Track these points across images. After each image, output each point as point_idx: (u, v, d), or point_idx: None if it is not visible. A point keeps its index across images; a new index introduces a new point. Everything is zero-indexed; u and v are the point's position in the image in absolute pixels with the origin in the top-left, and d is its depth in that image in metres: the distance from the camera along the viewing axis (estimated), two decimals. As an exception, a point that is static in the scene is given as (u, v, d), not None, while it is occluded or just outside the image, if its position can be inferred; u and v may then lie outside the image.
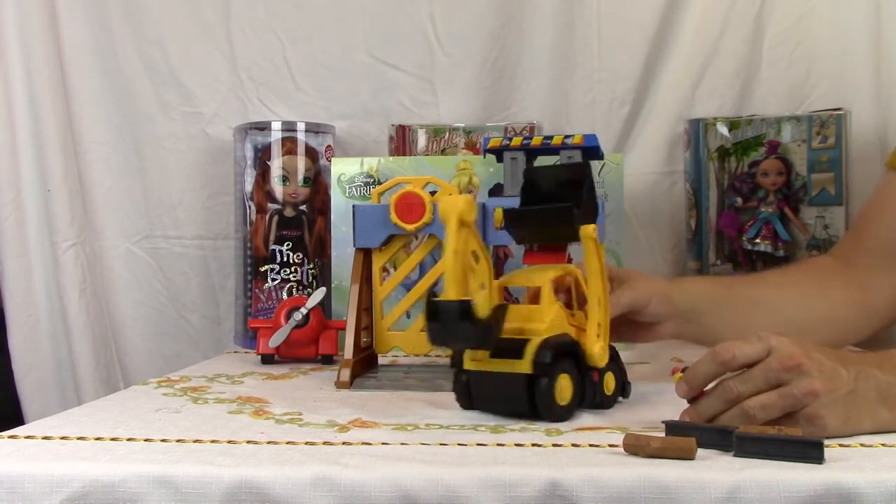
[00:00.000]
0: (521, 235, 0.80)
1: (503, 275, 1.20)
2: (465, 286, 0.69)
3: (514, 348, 0.72)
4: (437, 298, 0.68)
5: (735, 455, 0.61)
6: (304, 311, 1.05)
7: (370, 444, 0.66)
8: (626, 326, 0.90)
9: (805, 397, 0.65)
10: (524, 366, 0.72)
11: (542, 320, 0.74)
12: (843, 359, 0.69)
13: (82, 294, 1.36)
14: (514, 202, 0.95)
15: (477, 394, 0.77)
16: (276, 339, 1.05)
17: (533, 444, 0.66)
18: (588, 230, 0.75)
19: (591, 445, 0.65)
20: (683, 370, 0.77)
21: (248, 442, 0.67)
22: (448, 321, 0.67)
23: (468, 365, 0.76)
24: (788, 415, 0.66)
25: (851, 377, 0.67)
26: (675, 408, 0.78)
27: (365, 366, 0.98)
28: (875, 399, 0.68)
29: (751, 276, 1.17)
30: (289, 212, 1.26)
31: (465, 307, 0.67)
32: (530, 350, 0.72)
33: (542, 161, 1.00)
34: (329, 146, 1.30)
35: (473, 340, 0.70)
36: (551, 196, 0.76)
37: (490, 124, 1.31)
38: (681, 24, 1.32)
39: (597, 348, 0.76)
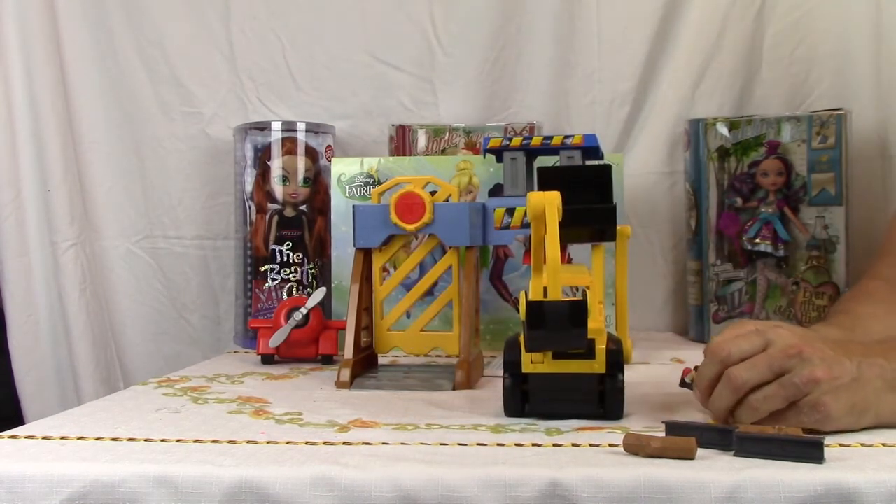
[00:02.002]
0: None
1: (503, 275, 1.21)
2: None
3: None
4: (541, 300, 0.66)
5: (735, 455, 0.61)
6: (304, 311, 1.05)
7: (370, 444, 0.66)
8: None
9: (806, 385, 0.65)
10: (597, 365, 0.71)
11: (596, 319, 0.74)
12: (847, 348, 0.69)
13: (82, 294, 1.36)
14: (515, 202, 0.96)
15: (538, 398, 0.74)
16: (276, 339, 1.05)
17: (533, 444, 0.66)
18: (626, 230, 0.76)
19: (591, 445, 0.65)
20: (695, 369, 0.78)
21: (248, 442, 0.67)
22: (559, 325, 0.65)
23: (528, 368, 0.73)
24: (791, 404, 0.66)
25: (855, 365, 0.67)
26: (675, 408, 0.78)
27: (365, 366, 0.98)
28: (881, 387, 0.67)
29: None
30: (289, 212, 1.27)
31: (578, 309, 0.65)
32: (601, 349, 0.71)
33: (541, 161, 1.00)
34: (329, 146, 1.30)
35: (584, 342, 0.67)
36: (577, 197, 0.76)
37: (490, 124, 1.31)
38: (681, 24, 1.32)
39: (629, 346, 0.77)
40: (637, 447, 0.61)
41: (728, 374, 0.68)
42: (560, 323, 0.64)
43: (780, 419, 0.66)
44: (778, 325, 0.70)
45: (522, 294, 0.71)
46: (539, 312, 0.64)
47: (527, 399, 0.74)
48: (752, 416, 0.67)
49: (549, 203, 0.67)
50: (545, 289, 0.68)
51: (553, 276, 0.66)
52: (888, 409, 0.67)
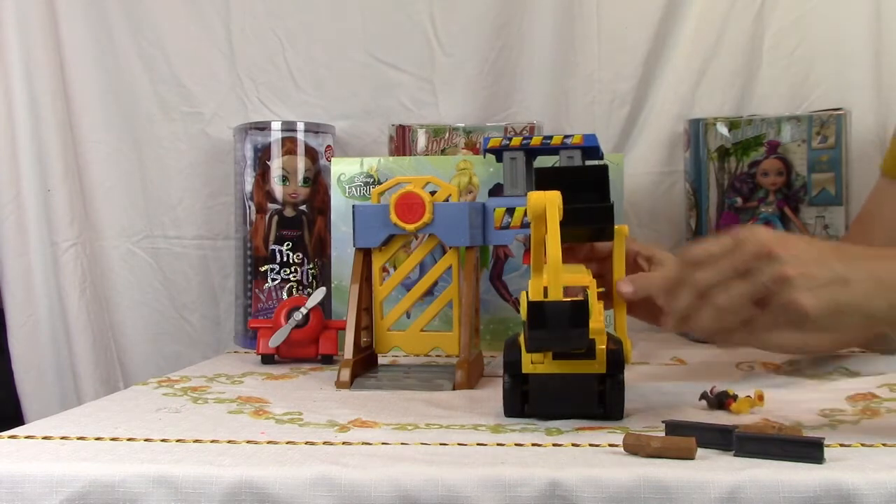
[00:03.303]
0: None
1: (503, 275, 1.21)
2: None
3: None
4: (541, 300, 0.65)
5: (735, 455, 0.61)
6: (304, 311, 1.05)
7: (370, 444, 0.66)
8: (647, 308, 0.86)
9: (775, 283, 0.61)
10: (598, 365, 0.71)
11: (596, 319, 0.74)
12: (839, 251, 0.65)
13: (82, 294, 1.36)
14: (515, 202, 0.96)
15: (539, 398, 0.73)
16: (276, 339, 1.05)
17: (533, 444, 0.66)
18: (623, 229, 0.76)
19: (591, 445, 0.65)
20: (711, 390, 0.78)
21: (248, 442, 0.67)
22: (560, 325, 0.64)
23: (529, 369, 0.72)
24: (764, 307, 0.62)
25: (841, 265, 0.63)
26: (675, 408, 0.78)
27: (365, 366, 0.98)
28: (871, 288, 0.62)
29: None
30: (289, 212, 1.27)
31: (580, 308, 0.64)
32: (601, 349, 0.71)
33: (541, 161, 1.00)
34: (329, 146, 1.30)
35: (585, 342, 0.66)
36: (574, 197, 0.75)
37: (490, 124, 1.31)
38: (681, 24, 1.32)
39: (629, 346, 0.77)
40: (637, 447, 0.61)
41: (691, 277, 0.64)
42: (561, 323, 0.64)
43: (754, 327, 0.63)
44: (759, 227, 0.66)
45: (523, 294, 0.70)
46: (540, 312, 0.64)
47: (527, 399, 0.74)
48: (716, 319, 0.63)
49: (550, 202, 0.67)
50: (545, 289, 0.68)
51: (554, 275, 0.66)
52: (880, 309, 0.62)
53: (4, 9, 1.32)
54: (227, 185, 1.36)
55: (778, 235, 0.64)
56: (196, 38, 1.38)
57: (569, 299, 0.65)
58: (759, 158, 1.22)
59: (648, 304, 0.87)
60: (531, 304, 0.65)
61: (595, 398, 0.72)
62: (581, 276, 0.76)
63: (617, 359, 0.72)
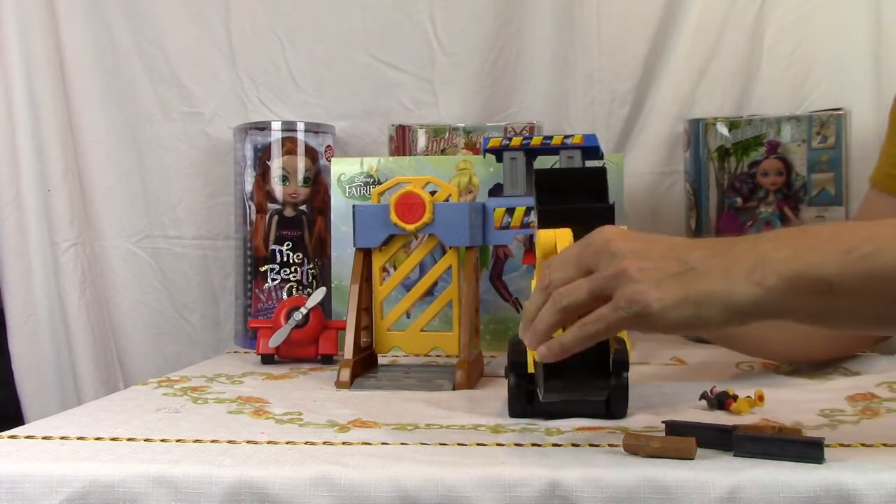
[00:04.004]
0: None
1: (503, 275, 1.21)
2: None
3: None
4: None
5: (735, 455, 0.61)
6: (304, 311, 1.05)
7: (370, 444, 0.66)
8: None
9: (614, 278, 0.58)
10: None
11: None
12: (691, 242, 0.61)
13: (82, 294, 1.36)
14: (515, 202, 0.96)
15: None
16: (276, 339, 1.05)
17: (533, 444, 0.66)
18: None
19: (591, 445, 0.65)
20: (712, 390, 0.78)
21: (248, 442, 0.67)
22: (579, 374, 0.61)
23: (533, 369, 0.71)
24: (608, 301, 0.58)
25: (694, 258, 0.58)
26: (675, 408, 0.78)
27: (365, 366, 0.98)
28: (728, 275, 0.57)
29: None
30: (289, 212, 1.27)
31: (600, 355, 0.61)
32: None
33: (541, 161, 1.00)
34: (329, 146, 1.30)
35: (605, 392, 0.63)
36: (572, 198, 0.75)
37: (490, 124, 1.31)
38: (681, 24, 1.32)
39: (629, 346, 0.77)
40: (637, 447, 0.61)
41: (541, 276, 0.62)
42: (580, 373, 0.61)
43: (604, 324, 0.58)
44: (609, 226, 0.63)
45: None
46: (557, 364, 0.60)
47: (531, 400, 0.74)
48: (556, 314, 0.60)
49: (561, 240, 0.65)
50: None
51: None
52: (745, 297, 0.57)
53: (4, 9, 1.32)
54: (227, 185, 1.36)
55: (624, 232, 0.61)
56: (196, 38, 1.38)
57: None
58: (759, 158, 1.22)
59: None
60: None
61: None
62: None
63: (622, 358, 0.72)
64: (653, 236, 0.62)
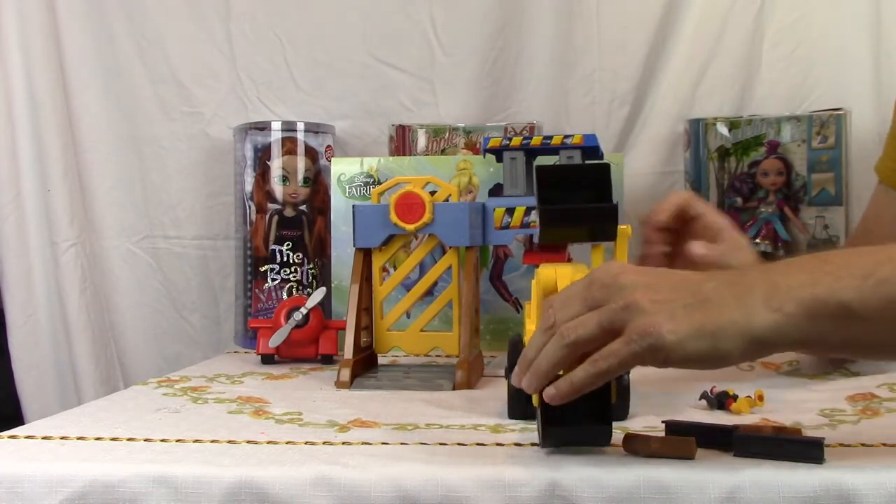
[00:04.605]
0: (555, 233, 0.76)
1: (503, 275, 1.21)
2: None
3: None
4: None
5: (735, 455, 0.61)
6: (304, 311, 1.05)
7: (370, 444, 0.66)
8: None
9: (624, 310, 0.56)
10: None
11: None
12: (702, 275, 0.59)
13: (82, 294, 1.36)
14: (515, 202, 0.96)
15: (549, 409, 0.71)
16: (276, 339, 1.05)
17: (533, 444, 0.66)
18: (627, 230, 0.75)
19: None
20: (712, 390, 0.78)
21: (248, 442, 0.67)
22: (579, 420, 0.60)
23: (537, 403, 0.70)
24: (615, 333, 0.56)
25: (707, 288, 0.56)
26: (675, 408, 0.78)
27: (365, 366, 0.98)
28: (743, 304, 0.55)
29: None
30: (289, 212, 1.27)
31: (604, 404, 0.59)
32: None
33: (541, 161, 1.00)
34: (329, 146, 1.30)
35: (607, 439, 0.61)
36: (574, 196, 0.75)
37: (490, 124, 1.31)
38: (681, 25, 1.32)
39: None
40: (637, 447, 0.61)
41: (543, 315, 0.60)
42: (580, 419, 0.59)
43: (616, 359, 0.56)
44: (614, 261, 0.61)
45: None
46: (556, 412, 0.59)
47: (530, 401, 0.74)
48: (562, 350, 0.57)
49: (561, 279, 0.64)
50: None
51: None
52: (762, 324, 0.55)
53: (4, 9, 1.32)
54: (227, 185, 1.36)
55: (631, 266, 0.59)
56: (196, 38, 1.38)
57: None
58: (759, 158, 1.22)
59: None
60: (543, 403, 0.59)
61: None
62: (582, 274, 0.76)
63: None
64: (661, 269, 0.60)
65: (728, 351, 0.55)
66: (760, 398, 0.78)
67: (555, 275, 0.64)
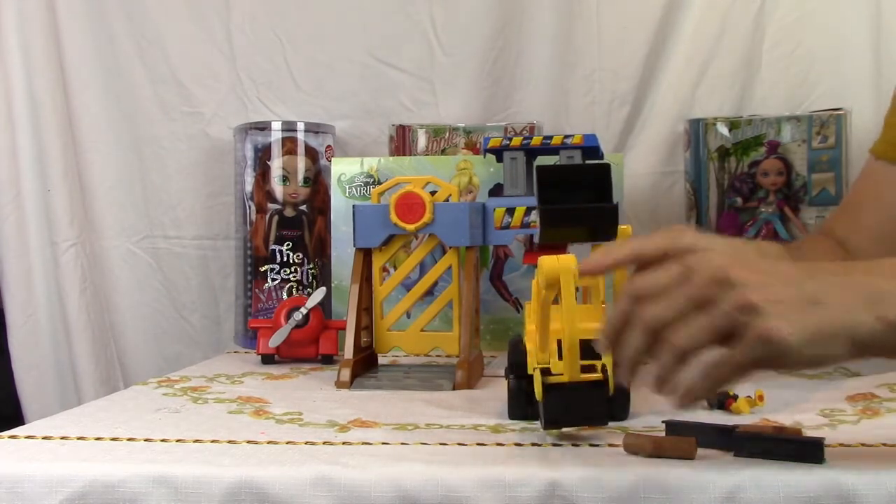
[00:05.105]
0: (556, 233, 0.77)
1: (503, 275, 1.21)
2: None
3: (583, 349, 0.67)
4: (555, 380, 0.64)
5: (735, 455, 0.61)
6: (304, 311, 1.05)
7: (370, 444, 0.66)
8: None
9: (741, 312, 0.52)
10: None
11: (598, 319, 0.74)
12: (802, 267, 0.56)
13: (82, 294, 1.36)
14: (515, 202, 0.96)
15: (552, 409, 0.69)
16: (276, 339, 1.05)
17: (533, 444, 0.66)
18: (627, 230, 0.75)
19: (591, 445, 0.65)
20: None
21: (248, 442, 0.67)
22: (578, 405, 0.63)
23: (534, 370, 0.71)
24: (730, 338, 0.53)
25: (814, 287, 0.54)
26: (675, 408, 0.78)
27: (365, 366, 0.98)
28: (856, 305, 0.53)
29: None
30: (289, 212, 1.27)
31: (599, 387, 0.63)
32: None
33: (541, 162, 1.00)
34: (329, 146, 1.30)
35: (605, 419, 0.65)
36: (574, 196, 0.75)
37: (490, 124, 1.31)
38: (681, 24, 1.32)
39: None
40: (637, 447, 0.61)
41: (639, 314, 0.55)
42: (579, 404, 0.63)
43: (734, 367, 0.54)
44: (709, 248, 0.57)
45: (537, 373, 0.67)
46: (556, 395, 0.63)
47: (530, 402, 0.74)
48: (676, 359, 0.54)
49: (564, 270, 0.62)
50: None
51: (571, 355, 0.63)
52: (866, 327, 0.53)
53: (4, 9, 1.32)
54: (227, 185, 1.36)
55: (733, 256, 0.56)
56: (196, 38, 1.38)
57: (586, 378, 0.63)
58: (759, 158, 1.22)
59: None
60: (547, 387, 0.63)
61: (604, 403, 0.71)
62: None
63: None
64: (764, 262, 0.57)
65: (837, 355, 0.53)
66: (761, 398, 0.77)
67: (557, 264, 0.64)
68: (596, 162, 0.91)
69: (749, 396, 0.77)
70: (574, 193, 0.74)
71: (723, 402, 0.77)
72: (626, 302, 0.56)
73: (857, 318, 0.53)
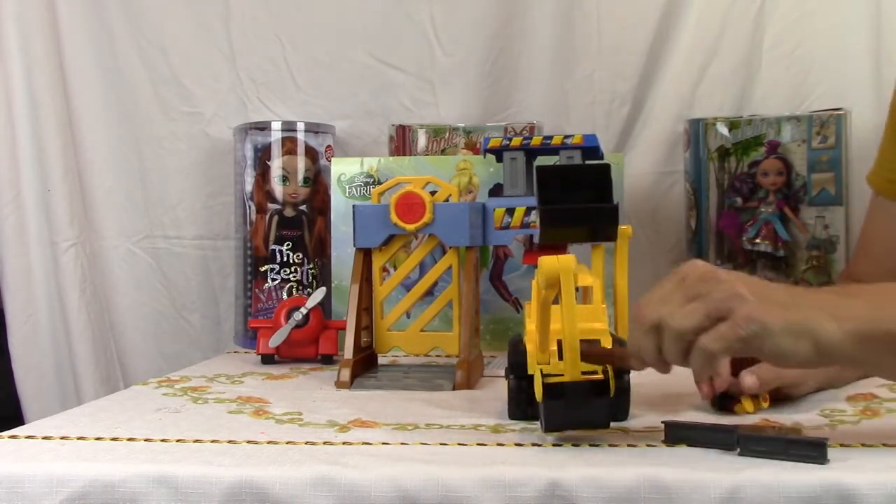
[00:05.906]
0: (556, 233, 0.77)
1: (503, 275, 1.21)
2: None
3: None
4: (556, 380, 0.64)
5: (736, 455, 0.61)
6: (304, 311, 1.05)
7: (370, 444, 0.66)
8: None
9: (729, 299, 0.60)
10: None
11: (600, 319, 0.74)
12: (786, 286, 0.66)
13: (82, 294, 1.36)
14: (515, 202, 0.96)
15: (553, 411, 0.69)
16: (276, 339, 1.05)
17: (533, 444, 0.66)
18: (627, 230, 0.75)
19: (591, 445, 0.65)
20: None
21: (248, 442, 0.67)
22: (579, 405, 0.63)
23: (534, 370, 0.70)
24: (719, 321, 0.60)
25: (789, 296, 0.62)
26: (675, 408, 0.78)
27: (365, 366, 0.98)
28: (821, 316, 0.60)
29: None
30: (289, 212, 1.27)
31: (600, 388, 0.63)
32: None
33: (541, 162, 1.00)
34: (329, 146, 1.30)
35: (606, 421, 0.65)
36: (575, 196, 0.75)
37: (490, 124, 1.31)
38: (681, 24, 1.32)
39: None
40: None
41: (642, 315, 0.63)
42: (580, 404, 0.63)
43: (724, 343, 0.60)
44: (699, 261, 0.64)
45: (538, 374, 0.67)
46: (557, 394, 0.63)
47: (531, 402, 0.74)
48: (679, 342, 0.61)
49: (565, 270, 0.63)
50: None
51: (571, 355, 0.63)
52: (832, 337, 0.59)
53: (4, 9, 1.32)
54: (227, 185, 1.36)
55: (715, 267, 0.64)
56: (196, 38, 1.38)
57: (587, 377, 0.63)
58: (759, 158, 1.22)
59: None
60: (547, 387, 0.64)
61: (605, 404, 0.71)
62: (584, 276, 0.76)
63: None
64: (747, 276, 0.64)
65: (806, 352, 0.60)
66: (764, 398, 0.77)
67: (557, 264, 0.64)
68: (596, 162, 0.91)
69: (755, 397, 0.77)
70: (574, 193, 0.74)
71: (726, 403, 0.77)
72: (635, 314, 0.64)
73: (822, 324, 0.60)
